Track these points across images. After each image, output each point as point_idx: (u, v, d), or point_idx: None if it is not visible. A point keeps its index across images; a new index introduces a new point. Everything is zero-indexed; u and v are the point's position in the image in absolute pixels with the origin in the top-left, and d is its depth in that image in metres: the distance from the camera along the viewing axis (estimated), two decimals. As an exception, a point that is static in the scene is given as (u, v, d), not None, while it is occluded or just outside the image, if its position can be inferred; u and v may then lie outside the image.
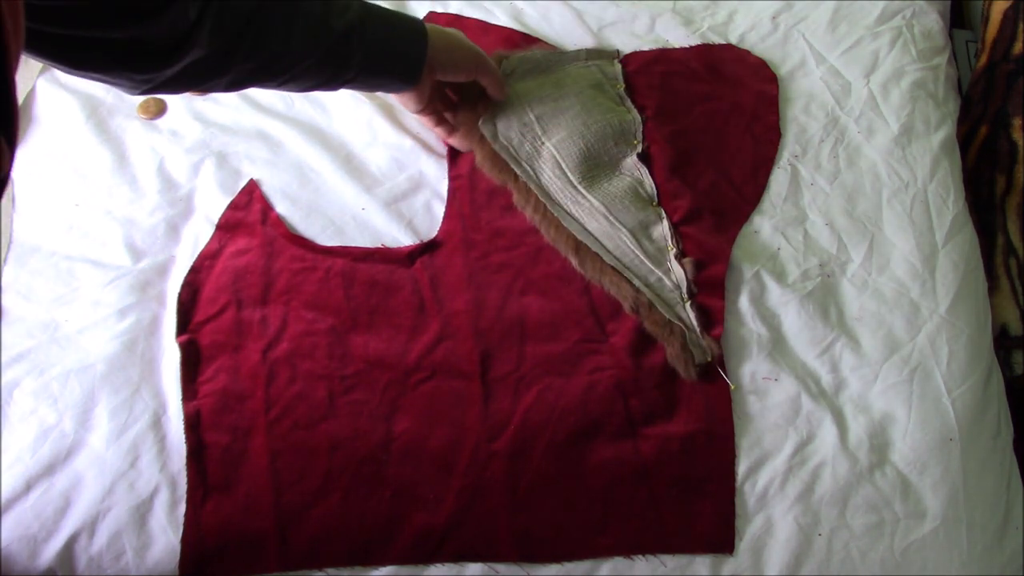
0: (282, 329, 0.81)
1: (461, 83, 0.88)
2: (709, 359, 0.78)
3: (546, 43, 0.98)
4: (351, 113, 0.94)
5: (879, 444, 0.76)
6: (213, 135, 0.93)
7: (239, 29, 0.68)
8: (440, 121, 0.90)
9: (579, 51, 0.96)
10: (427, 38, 0.80)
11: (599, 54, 0.96)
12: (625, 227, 0.84)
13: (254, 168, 0.91)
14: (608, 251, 0.83)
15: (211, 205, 0.89)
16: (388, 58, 0.79)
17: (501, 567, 0.72)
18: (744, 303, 0.82)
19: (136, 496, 0.74)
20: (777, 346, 0.80)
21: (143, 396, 0.79)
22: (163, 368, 0.80)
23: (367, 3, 0.77)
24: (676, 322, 0.79)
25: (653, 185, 0.87)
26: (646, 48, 0.99)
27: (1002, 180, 0.93)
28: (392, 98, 0.91)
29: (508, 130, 0.89)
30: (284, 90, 0.78)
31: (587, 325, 0.81)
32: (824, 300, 0.82)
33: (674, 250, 0.83)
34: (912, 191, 0.88)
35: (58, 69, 0.65)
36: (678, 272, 0.82)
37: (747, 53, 0.98)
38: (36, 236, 0.88)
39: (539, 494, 0.74)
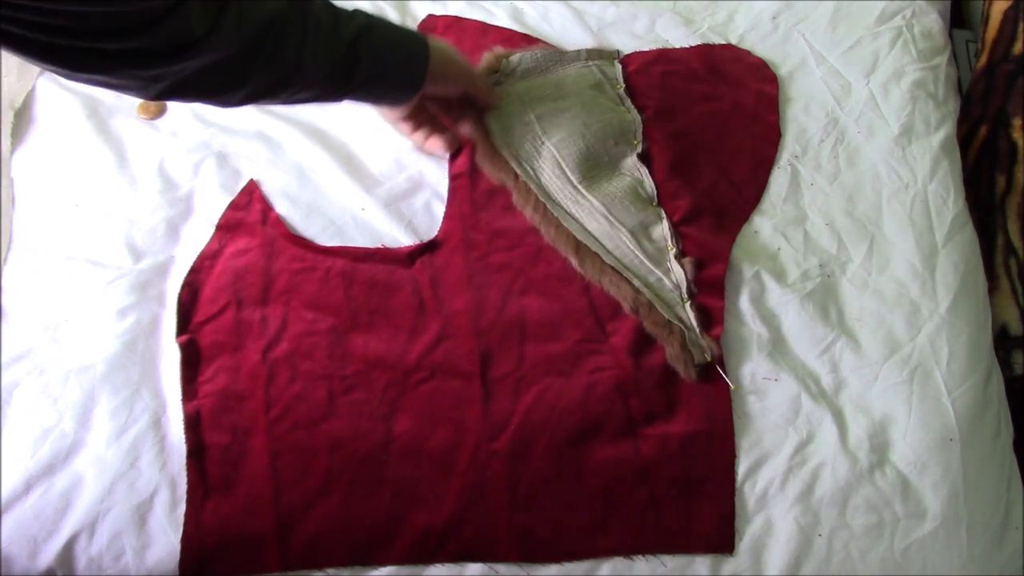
0: (282, 329, 0.81)
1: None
2: (708, 359, 0.78)
3: (546, 43, 0.98)
4: (351, 113, 0.94)
5: (879, 444, 0.76)
6: (213, 135, 0.93)
7: (257, 35, 0.66)
8: (417, 128, 0.89)
9: (579, 51, 0.96)
10: (428, 47, 0.79)
11: (599, 54, 0.96)
12: (625, 227, 0.84)
13: (254, 168, 0.91)
14: (608, 251, 0.83)
15: (211, 205, 0.89)
16: (393, 66, 0.78)
17: (501, 567, 0.72)
18: (744, 303, 0.82)
19: (136, 496, 0.74)
20: (777, 346, 0.80)
21: (143, 396, 0.79)
22: (163, 368, 0.80)
23: (369, 14, 0.77)
24: (676, 322, 0.79)
25: (653, 185, 0.87)
26: (646, 48, 0.99)
27: (1002, 180, 0.93)
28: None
29: (508, 130, 0.89)
30: (292, 103, 0.77)
31: (587, 325, 0.81)
32: (824, 300, 0.82)
33: (674, 250, 0.83)
34: (912, 191, 0.88)
35: (56, 74, 0.63)
36: (678, 272, 0.82)
37: (747, 53, 0.98)
38: (36, 236, 0.88)
39: (539, 494, 0.74)
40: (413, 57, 0.79)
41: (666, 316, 0.80)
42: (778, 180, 0.90)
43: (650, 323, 0.80)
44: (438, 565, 0.72)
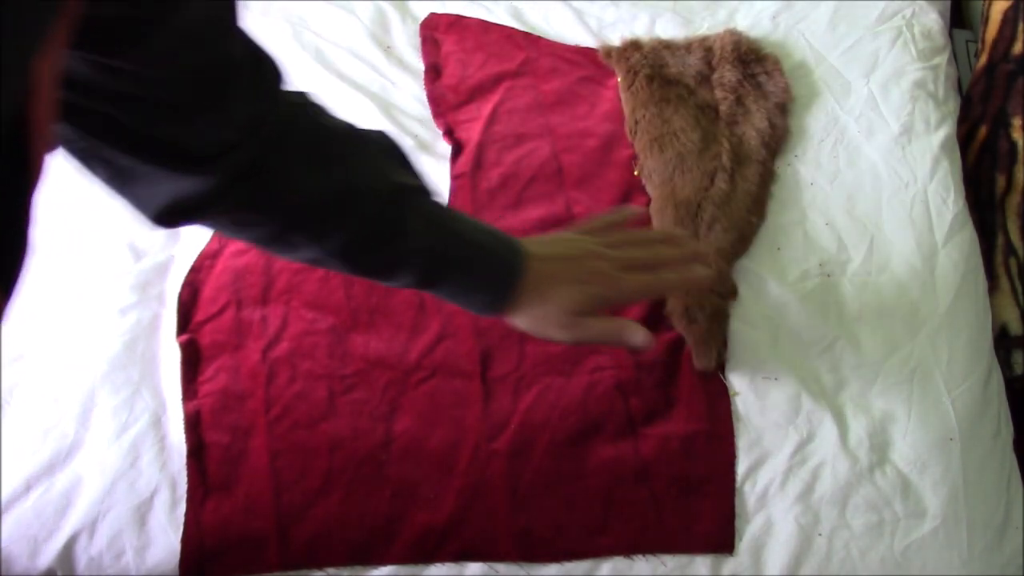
0: (282, 329, 0.81)
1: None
2: (713, 365, 0.78)
3: (553, 41, 0.98)
4: (351, 112, 0.94)
5: (879, 444, 0.76)
6: (213, 135, 0.93)
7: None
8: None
9: None
10: (520, 273, 0.64)
11: None
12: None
13: (254, 168, 0.91)
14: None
15: (211, 205, 0.89)
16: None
17: (501, 567, 0.72)
18: (744, 303, 0.82)
19: (136, 496, 0.74)
20: (777, 346, 0.80)
21: (143, 396, 0.79)
22: (163, 368, 0.80)
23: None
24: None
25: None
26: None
27: (1002, 180, 0.92)
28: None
29: None
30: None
31: (587, 325, 0.81)
32: (824, 300, 0.82)
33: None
34: (912, 191, 0.88)
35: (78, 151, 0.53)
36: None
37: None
38: (36, 236, 0.87)
39: (539, 494, 0.74)
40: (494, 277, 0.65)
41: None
42: (778, 180, 0.90)
43: (679, 310, 0.79)
44: (438, 565, 0.72)
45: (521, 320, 0.67)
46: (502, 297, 0.64)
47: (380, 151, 0.62)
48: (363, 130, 0.62)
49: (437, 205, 0.64)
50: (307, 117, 0.58)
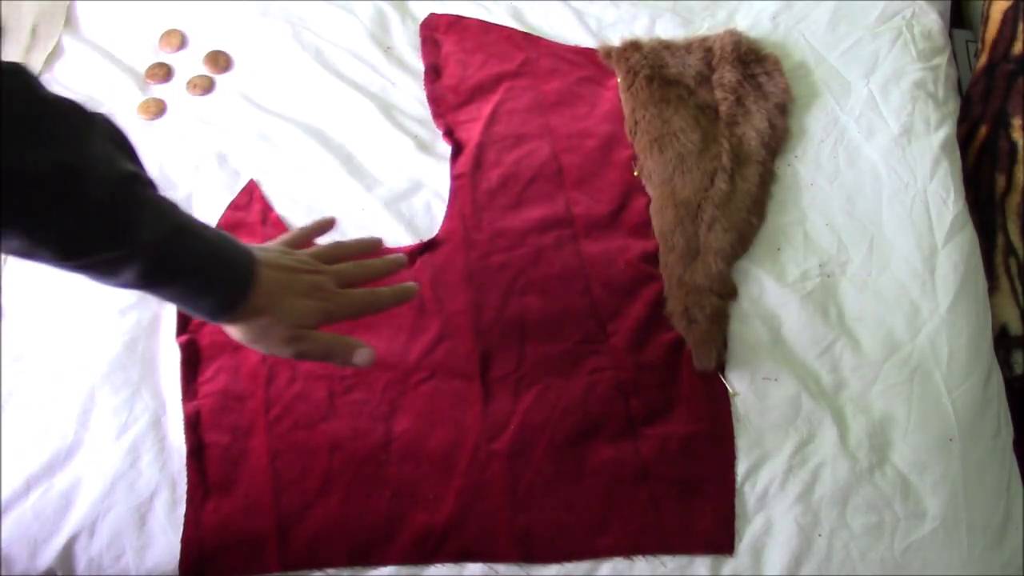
0: (282, 329, 0.81)
1: None
2: (713, 366, 0.78)
3: (553, 42, 0.98)
4: (351, 113, 0.94)
5: (879, 444, 0.76)
6: (213, 135, 0.93)
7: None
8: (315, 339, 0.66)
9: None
10: (252, 277, 0.61)
11: None
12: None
13: (254, 168, 0.91)
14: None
15: (211, 205, 0.89)
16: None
17: (501, 567, 0.72)
18: (744, 303, 0.82)
19: (136, 496, 0.74)
20: (777, 346, 0.80)
21: (143, 396, 0.79)
22: (163, 368, 0.80)
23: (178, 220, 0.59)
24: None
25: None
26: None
27: (1002, 180, 0.93)
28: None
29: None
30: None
31: (587, 325, 0.81)
32: (824, 300, 0.82)
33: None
34: (912, 191, 0.88)
35: None
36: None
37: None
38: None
39: (539, 494, 0.74)
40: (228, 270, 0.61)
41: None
42: (778, 180, 0.90)
43: (679, 310, 0.80)
44: (438, 565, 0.72)
45: (244, 330, 0.64)
46: (232, 302, 0.61)
47: (104, 135, 0.56)
48: (86, 110, 0.55)
49: (164, 199, 0.59)
50: (21, 87, 0.51)
